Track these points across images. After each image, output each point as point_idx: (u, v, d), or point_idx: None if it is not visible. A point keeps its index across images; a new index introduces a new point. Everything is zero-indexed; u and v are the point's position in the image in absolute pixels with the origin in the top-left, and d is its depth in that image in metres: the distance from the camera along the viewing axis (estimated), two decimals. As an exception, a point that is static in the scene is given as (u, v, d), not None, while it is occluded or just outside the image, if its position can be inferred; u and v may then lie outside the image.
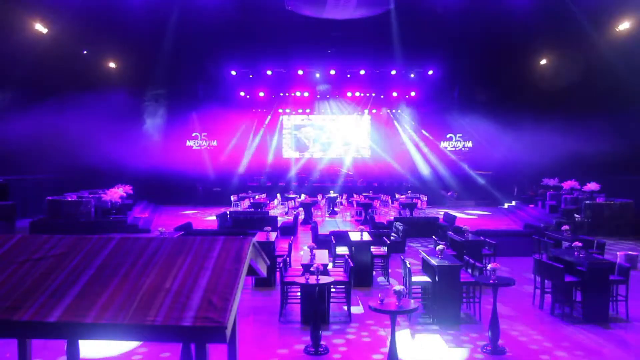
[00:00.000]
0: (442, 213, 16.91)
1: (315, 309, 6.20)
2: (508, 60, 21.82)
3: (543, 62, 21.66)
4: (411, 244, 13.22)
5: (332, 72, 24.56)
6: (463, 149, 26.96)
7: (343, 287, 7.68)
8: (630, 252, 10.55)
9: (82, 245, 3.30)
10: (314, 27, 19.84)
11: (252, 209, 18.26)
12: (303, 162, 27.80)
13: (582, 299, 7.46)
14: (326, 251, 8.96)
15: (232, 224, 14.90)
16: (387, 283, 9.52)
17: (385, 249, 9.92)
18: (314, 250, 8.25)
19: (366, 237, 9.82)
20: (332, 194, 21.31)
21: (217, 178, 24.92)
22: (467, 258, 8.24)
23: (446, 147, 27.04)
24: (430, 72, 24.93)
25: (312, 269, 6.55)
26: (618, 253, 10.51)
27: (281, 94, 27.12)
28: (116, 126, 20.94)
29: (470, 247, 9.63)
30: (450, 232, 10.93)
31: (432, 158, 26.04)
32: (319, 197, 20.45)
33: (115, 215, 16.25)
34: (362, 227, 15.45)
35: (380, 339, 6.59)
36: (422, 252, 8.29)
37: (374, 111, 28.47)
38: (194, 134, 26.62)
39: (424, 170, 25.47)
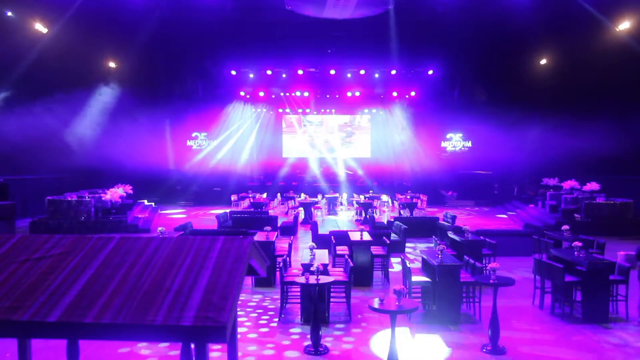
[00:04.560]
0: (442, 213, 16.91)
1: (315, 308, 6.19)
2: (508, 60, 21.82)
3: (543, 61, 21.66)
4: (411, 244, 13.22)
5: (332, 71, 24.57)
6: (463, 148, 26.97)
7: (343, 286, 7.68)
8: (630, 252, 10.54)
9: (82, 245, 3.30)
10: (314, 27, 19.83)
11: (252, 209, 18.27)
12: (303, 162, 27.81)
13: (582, 298, 7.46)
14: (326, 251, 8.96)
15: (232, 224, 14.90)
16: (387, 283, 9.52)
17: (386, 249, 9.92)
18: (314, 250, 8.25)
19: (366, 237, 9.82)
20: (332, 194, 21.30)
21: (216, 178, 24.92)
22: (467, 258, 8.24)
23: (446, 147, 27.05)
24: (431, 72, 24.93)
25: (312, 268, 6.55)
26: (618, 253, 10.50)
27: (281, 94, 27.13)
28: (116, 126, 20.96)
29: (470, 247, 9.62)
30: (450, 232, 10.92)
31: (432, 158, 26.04)
32: (319, 197, 20.46)
33: (115, 215, 16.26)
34: (362, 227, 15.44)
35: (380, 339, 6.59)
36: (422, 252, 8.29)
37: (374, 111, 28.48)
38: (193, 134, 26.63)
39: (424, 170, 25.46)
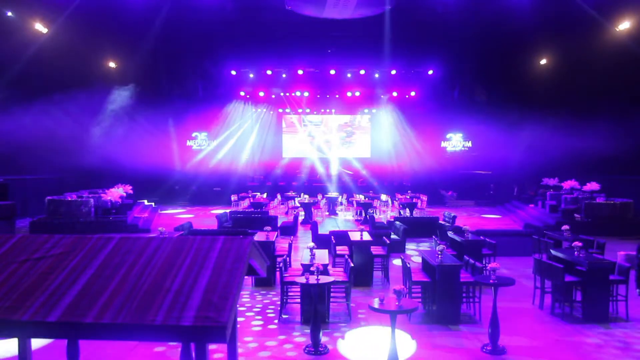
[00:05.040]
0: (442, 213, 16.90)
1: (315, 308, 6.19)
2: (508, 60, 21.83)
3: (543, 62, 21.67)
4: (411, 244, 13.22)
5: (332, 71, 24.57)
6: (463, 148, 26.96)
7: (343, 286, 7.68)
8: (630, 252, 10.53)
9: (82, 245, 3.30)
10: (314, 27, 19.84)
11: (252, 209, 18.26)
12: (303, 162, 27.81)
13: (582, 298, 7.46)
14: (326, 251, 8.95)
15: (232, 224, 14.90)
16: (387, 283, 9.52)
17: (386, 249, 9.92)
18: (314, 250, 8.24)
19: (366, 237, 9.82)
20: (332, 193, 21.27)
21: (217, 178, 24.92)
22: (467, 258, 8.24)
23: (446, 147, 27.05)
24: (431, 72, 24.93)
25: (312, 268, 6.55)
26: (618, 253, 10.50)
27: (281, 94, 27.14)
28: (116, 126, 20.96)
29: (470, 247, 9.62)
30: (450, 232, 10.92)
31: (432, 158, 26.04)
32: (319, 197, 20.45)
33: (115, 215, 16.26)
34: (362, 227, 15.44)
35: (380, 339, 6.59)
36: (422, 252, 8.29)
37: (374, 111, 28.48)
38: (193, 134, 26.64)
39: (424, 170, 25.46)
